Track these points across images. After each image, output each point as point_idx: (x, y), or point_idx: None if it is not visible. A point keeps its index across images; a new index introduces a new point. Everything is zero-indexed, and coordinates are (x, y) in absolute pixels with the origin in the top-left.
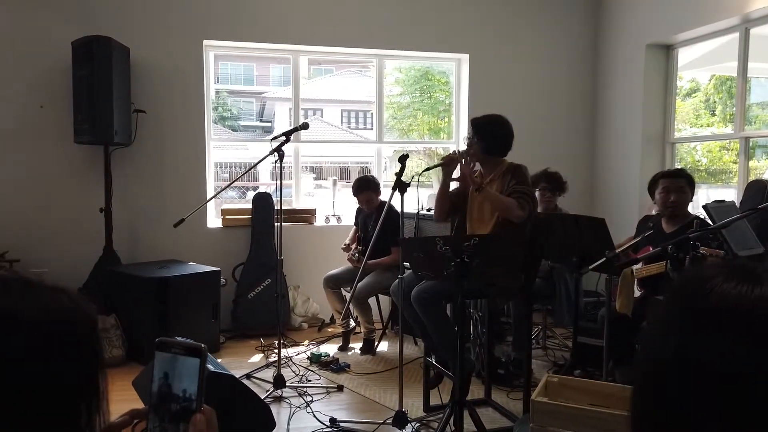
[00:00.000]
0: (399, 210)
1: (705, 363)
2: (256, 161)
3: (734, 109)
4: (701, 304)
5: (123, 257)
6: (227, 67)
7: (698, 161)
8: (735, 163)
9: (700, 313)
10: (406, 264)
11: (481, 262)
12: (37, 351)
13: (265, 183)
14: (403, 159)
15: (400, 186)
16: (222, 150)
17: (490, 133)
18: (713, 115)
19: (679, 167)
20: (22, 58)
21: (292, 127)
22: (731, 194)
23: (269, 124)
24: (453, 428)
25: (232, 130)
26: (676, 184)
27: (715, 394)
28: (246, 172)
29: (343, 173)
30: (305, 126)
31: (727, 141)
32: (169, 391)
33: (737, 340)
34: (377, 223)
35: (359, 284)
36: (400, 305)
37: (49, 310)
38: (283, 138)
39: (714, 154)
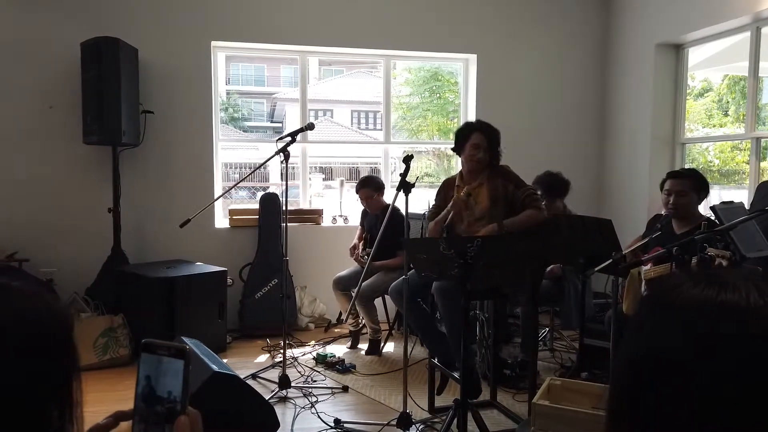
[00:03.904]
0: (403, 211)
1: (670, 364)
2: (262, 163)
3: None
4: (669, 307)
5: (131, 257)
6: (238, 68)
7: (710, 162)
8: (748, 163)
9: (666, 316)
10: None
11: (485, 263)
12: (7, 360)
13: (276, 183)
14: (407, 160)
15: (405, 187)
16: (233, 151)
17: (497, 143)
18: (726, 115)
19: (690, 167)
20: (32, 59)
21: (297, 128)
22: (744, 195)
23: (280, 124)
24: (457, 430)
25: (243, 131)
26: (678, 186)
27: (679, 395)
28: (250, 174)
29: (353, 174)
30: (311, 126)
31: (740, 141)
32: (154, 394)
33: (698, 342)
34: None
35: (365, 284)
36: (403, 307)
37: (22, 317)
38: (289, 138)
39: (726, 155)
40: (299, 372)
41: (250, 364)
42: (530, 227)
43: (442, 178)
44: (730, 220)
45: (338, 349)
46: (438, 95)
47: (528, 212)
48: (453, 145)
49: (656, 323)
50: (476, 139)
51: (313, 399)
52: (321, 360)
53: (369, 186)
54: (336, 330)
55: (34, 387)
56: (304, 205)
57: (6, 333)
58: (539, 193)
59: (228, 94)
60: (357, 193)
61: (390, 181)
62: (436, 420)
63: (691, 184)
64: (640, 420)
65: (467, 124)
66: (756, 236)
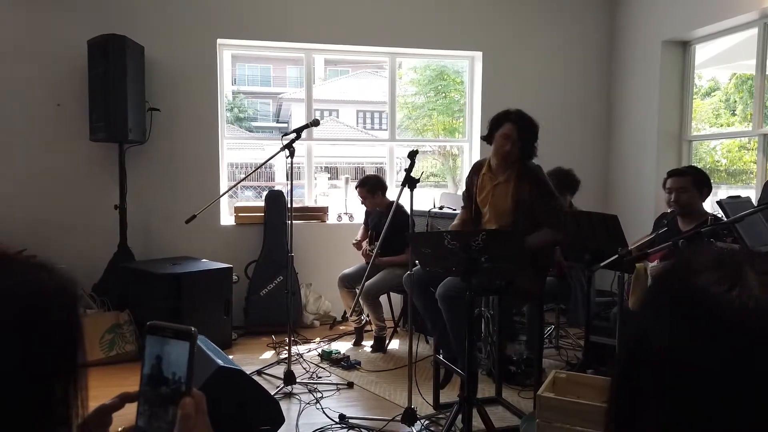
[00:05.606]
0: (408, 208)
1: (679, 362)
2: (267, 159)
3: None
4: (682, 300)
5: (137, 254)
6: (245, 68)
7: (717, 162)
8: (755, 163)
9: (679, 310)
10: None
11: (490, 258)
12: (8, 328)
13: (281, 183)
14: (412, 155)
15: (410, 182)
16: (239, 151)
17: (532, 137)
18: (733, 114)
19: (691, 165)
20: (39, 57)
21: (303, 124)
22: (751, 195)
23: (285, 125)
24: (462, 426)
25: (249, 131)
26: (678, 183)
27: (667, 397)
28: (256, 170)
29: (359, 174)
30: (316, 122)
31: (747, 141)
32: (160, 375)
33: (711, 339)
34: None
35: (371, 281)
36: (415, 299)
37: (24, 286)
38: (294, 135)
39: (733, 155)
40: (304, 368)
41: (255, 360)
42: (546, 245)
43: (448, 178)
44: (737, 214)
45: (343, 346)
46: (444, 95)
47: (546, 231)
48: (456, 143)
49: (664, 317)
50: (507, 130)
51: (318, 395)
52: (326, 356)
53: (364, 186)
54: (341, 327)
55: (34, 357)
56: (309, 203)
57: (8, 301)
58: (561, 206)
59: (234, 94)
60: (356, 190)
61: (395, 180)
62: (440, 416)
63: (690, 180)
64: (642, 425)
65: (502, 112)
66: (763, 230)
